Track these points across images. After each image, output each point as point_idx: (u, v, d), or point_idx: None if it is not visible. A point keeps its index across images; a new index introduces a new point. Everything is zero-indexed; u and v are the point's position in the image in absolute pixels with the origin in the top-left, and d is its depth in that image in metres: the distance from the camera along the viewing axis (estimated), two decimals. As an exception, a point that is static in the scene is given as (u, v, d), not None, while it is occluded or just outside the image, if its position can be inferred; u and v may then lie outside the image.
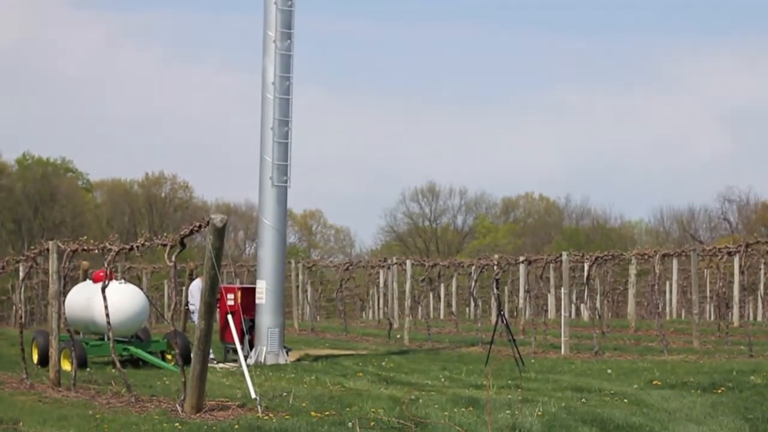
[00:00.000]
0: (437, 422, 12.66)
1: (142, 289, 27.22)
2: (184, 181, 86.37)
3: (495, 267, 29.86)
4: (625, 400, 15.04)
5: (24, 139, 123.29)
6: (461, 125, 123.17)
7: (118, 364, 16.20)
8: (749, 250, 27.06)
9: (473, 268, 32.77)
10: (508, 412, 13.48)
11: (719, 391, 15.91)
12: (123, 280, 23.57)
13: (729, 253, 28.26)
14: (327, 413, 13.57)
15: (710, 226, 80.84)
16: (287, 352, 23.20)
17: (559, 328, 26.73)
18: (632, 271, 36.00)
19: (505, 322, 21.90)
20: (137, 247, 16.24)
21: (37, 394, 16.49)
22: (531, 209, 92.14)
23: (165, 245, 14.96)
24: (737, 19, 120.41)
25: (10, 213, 75.76)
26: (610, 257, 29.72)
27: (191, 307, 24.12)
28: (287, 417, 13.40)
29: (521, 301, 35.20)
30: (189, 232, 14.49)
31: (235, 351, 20.61)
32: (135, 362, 21.86)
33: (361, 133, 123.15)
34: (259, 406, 13.99)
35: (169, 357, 22.19)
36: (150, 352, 22.10)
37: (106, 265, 16.90)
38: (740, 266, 28.00)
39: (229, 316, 20.90)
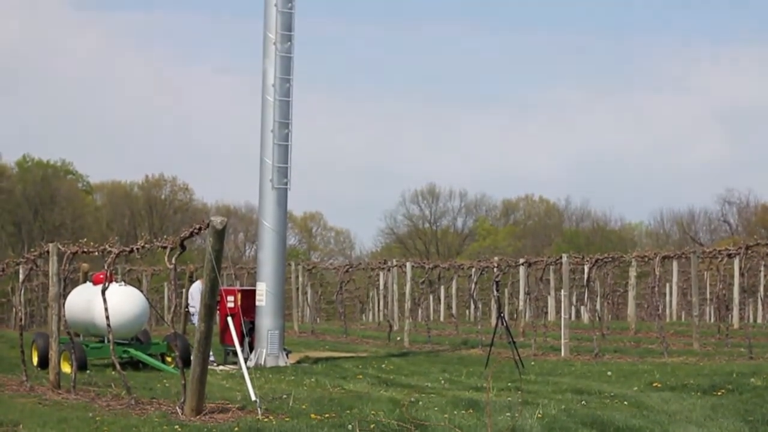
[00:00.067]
0: (437, 424, 12.66)
1: (142, 291, 27.21)
2: (184, 183, 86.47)
3: (495, 269, 29.87)
4: (625, 403, 15.03)
5: (24, 141, 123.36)
6: (461, 127, 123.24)
7: (118, 367, 16.20)
8: (749, 252, 27.07)
9: (473, 270, 32.78)
10: (508, 414, 13.47)
11: (719, 394, 15.91)
12: (123, 283, 23.56)
13: (729, 255, 28.25)
14: (327, 415, 13.57)
15: (710, 228, 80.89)
16: (287, 355, 23.20)
17: (559, 330, 26.72)
18: (632, 273, 35.99)
19: (505, 324, 21.90)
20: (137, 249, 16.24)
21: (37, 397, 16.49)
22: (531, 211, 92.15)
23: (165, 247, 14.96)
24: (737, 20, 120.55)
25: (10, 215, 75.76)
26: (610, 259, 29.72)
27: (191, 309, 24.12)
28: (287, 419, 13.40)
29: (521, 303, 35.20)
30: (189, 235, 14.49)
31: (235, 353, 20.61)
32: (135, 364, 21.87)
33: (361, 134, 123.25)
34: (259, 409, 13.98)
35: (169, 359, 22.20)
36: (150, 355, 22.11)
37: (106, 267, 16.90)
38: (740, 268, 28.00)
39: (229, 319, 20.90)
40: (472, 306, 34.92)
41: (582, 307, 41.69)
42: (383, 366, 21.98)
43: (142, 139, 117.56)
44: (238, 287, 27.02)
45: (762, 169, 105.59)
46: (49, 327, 18.36)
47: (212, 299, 14.01)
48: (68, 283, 19.58)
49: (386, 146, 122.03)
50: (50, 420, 13.53)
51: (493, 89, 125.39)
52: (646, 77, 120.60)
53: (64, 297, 18.53)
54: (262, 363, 22.49)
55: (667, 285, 42.29)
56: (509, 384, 17.66)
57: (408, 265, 32.32)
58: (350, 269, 40.27)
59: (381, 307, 45.64)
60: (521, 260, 31.97)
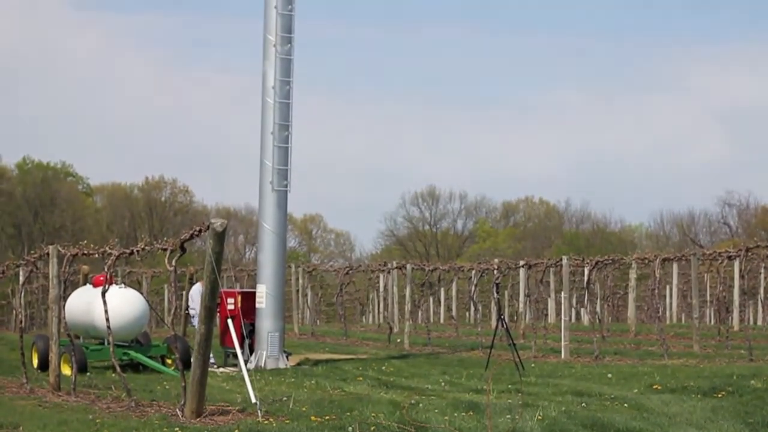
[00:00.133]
0: (437, 427, 12.66)
1: (142, 293, 27.25)
2: (184, 185, 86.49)
3: (495, 271, 29.86)
4: (626, 405, 15.03)
5: (24, 143, 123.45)
6: (461, 129, 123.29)
7: (118, 369, 16.19)
8: (749, 254, 27.08)
9: (473, 272, 32.78)
10: (508, 416, 13.47)
11: (719, 396, 15.91)
12: (123, 285, 23.56)
13: (729, 257, 28.25)
14: (327, 418, 13.57)
15: (710, 231, 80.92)
16: (287, 357, 23.19)
17: (559, 333, 26.72)
18: (632, 275, 35.98)
19: (505, 326, 21.90)
20: (137, 251, 16.24)
21: (37, 399, 16.49)
22: (531, 213, 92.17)
23: (165, 249, 14.96)
24: (737, 22, 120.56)
25: (10, 217, 75.76)
26: (610, 261, 29.73)
27: (191, 312, 24.12)
28: (287, 421, 13.40)
29: (521, 305, 35.20)
30: (189, 237, 14.49)
31: (235, 355, 20.60)
32: (135, 367, 21.86)
33: (360, 136, 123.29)
34: (259, 411, 13.98)
35: (169, 361, 22.19)
36: (150, 357, 22.10)
37: (106, 269, 16.89)
38: (740, 270, 27.99)
39: (230, 321, 20.90)
40: (472, 308, 34.90)
41: (582, 309, 41.69)
42: (383, 368, 21.98)
43: (142, 141, 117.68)
44: (238, 289, 27.01)
45: (762, 171, 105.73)
46: (49, 329, 18.36)
47: (212, 301, 14.01)
48: (68, 286, 19.60)
49: (386, 148, 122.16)
50: (50, 422, 13.52)
51: (493, 91, 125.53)
52: (645, 79, 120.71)
53: (64, 299, 18.52)
54: (263, 365, 22.48)
55: (667, 287, 42.28)
56: (509, 386, 17.66)
57: (408, 267, 32.32)
58: (350, 271, 40.27)
59: (381, 309, 45.66)
60: (521, 262, 31.95)
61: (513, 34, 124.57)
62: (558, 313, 37.05)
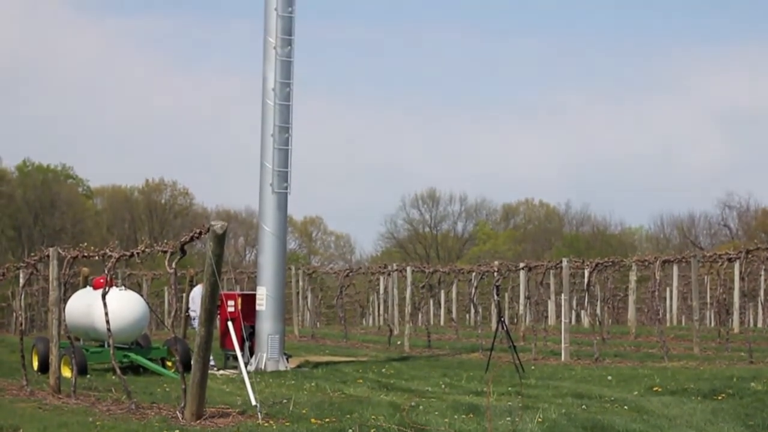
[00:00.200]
0: (437, 429, 12.66)
1: (142, 295, 27.25)
2: (184, 187, 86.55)
3: (495, 273, 29.86)
4: (626, 407, 15.03)
5: (24, 145, 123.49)
6: (461, 131, 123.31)
7: (118, 371, 16.19)
8: (749, 256, 27.09)
9: (473, 274, 32.79)
10: (508, 418, 13.47)
11: (720, 398, 15.91)
12: (123, 287, 23.57)
13: (729, 260, 28.29)
14: (327, 420, 13.57)
15: (710, 233, 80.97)
16: (287, 359, 23.19)
17: (559, 335, 26.71)
18: (632, 277, 36.00)
19: (505, 328, 21.90)
20: (137, 253, 16.24)
21: (37, 401, 16.48)
22: (531, 215, 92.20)
23: (165, 252, 14.96)
24: (737, 23, 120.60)
25: (11, 220, 75.79)
26: (610, 264, 29.75)
27: (192, 314, 24.12)
28: (287, 424, 13.40)
29: (521, 307, 35.19)
30: (189, 239, 14.49)
31: (235, 358, 20.61)
32: (135, 369, 21.86)
33: (361, 139, 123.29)
34: (259, 413, 13.98)
35: (169, 364, 22.19)
36: (150, 359, 22.10)
37: (106, 271, 16.89)
38: (740, 272, 28.01)
39: (230, 323, 20.90)
40: (473, 310, 34.91)
41: (582, 312, 41.69)
42: (383, 370, 21.98)
43: (142, 143, 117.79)
44: (238, 292, 26.99)
45: (762, 173, 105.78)
46: (49, 331, 18.36)
47: (212, 304, 14.00)
48: (68, 288, 19.61)
49: (386, 150, 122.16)
50: (50, 424, 13.52)
51: (493, 93, 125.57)
52: (645, 80, 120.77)
53: (65, 301, 18.53)
54: (263, 367, 22.48)
55: (668, 289, 42.32)
56: (509, 388, 17.65)
57: (408, 269, 32.33)
58: (350, 273, 40.27)
59: (381, 312, 45.65)
60: (521, 264, 31.94)
61: (513, 36, 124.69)
62: (558, 316, 37.05)
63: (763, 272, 38.26)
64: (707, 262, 33.54)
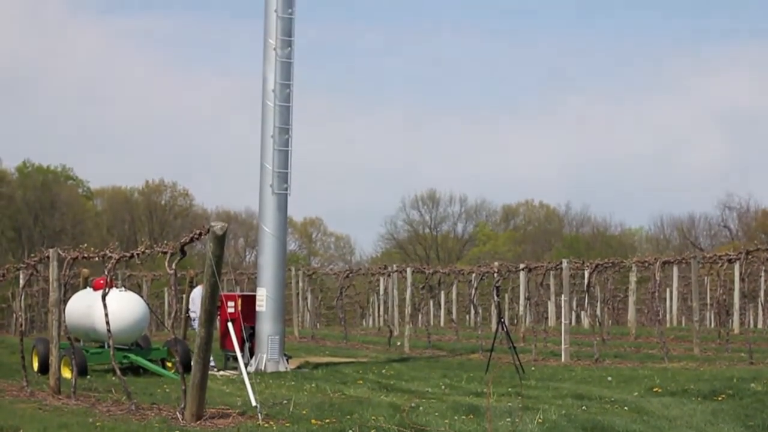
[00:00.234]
0: (437, 430, 12.66)
1: (142, 296, 27.25)
2: (184, 188, 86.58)
3: (495, 274, 29.87)
4: (626, 408, 15.03)
5: (24, 146, 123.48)
6: (461, 132, 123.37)
7: (118, 372, 16.19)
8: (749, 257, 27.09)
9: (473, 275, 32.79)
10: (508, 419, 13.47)
11: (720, 399, 15.91)
12: (123, 288, 23.57)
13: (729, 261, 28.28)
14: (327, 421, 13.57)
15: (710, 234, 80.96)
16: (287, 360, 23.19)
17: (559, 336, 26.71)
18: (632, 278, 36.00)
19: (505, 329, 21.90)
20: (137, 254, 16.24)
21: (37, 402, 16.48)
22: (531, 216, 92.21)
23: (165, 253, 14.96)
24: (737, 24, 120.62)
25: (11, 221, 75.80)
26: (610, 265, 29.75)
27: (192, 315, 24.12)
28: (287, 425, 13.40)
29: (521, 308, 35.20)
30: (189, 240, 14.50)
31: (235, 358, 20.60)
32: (135, 370, 21.85)
33: (361, 140, 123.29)
34: (259, 414, 13.98)
35: (169, 364, 22.19)
36: (150, 360, 22.09)
37: (106, 272, 16.89)
38: (740, 273, 28.00)
39: (230, 324, 20.90)
40: (473, 311, 34.92)
41: (582, 313, 41.69)
42: (383, 371, 21.98)
43: (142, 144, 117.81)
44: (238, 292, 27.00)
45: (762, 174, 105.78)
46: (49, 332, 18.36)
47: (212, 304, 14.00)
48: (68, 289, 19.60)
49: (386, 151, 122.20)
50: (50, 425, 13.52)
51: (493, 94, 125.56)
52: (645, 81, 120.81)
53: (65, 302, 18.53)
54: (263, 368, 22.48)
55: (668, 290, 42.32)
56: (509, 389, 17.64)
57: (408, 270, 32.33)
58: (350, 274, 40.26)
59: (381, 313, 45.64)
60: (521, 265, 31.93)
61: (513, 37, 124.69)
62: (558, 316, 37.05)
63: (763, 273, 38.25)
64: (707, 263, 33.53)
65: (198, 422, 13.70)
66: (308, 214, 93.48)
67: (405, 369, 22.67)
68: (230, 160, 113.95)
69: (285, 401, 15.71)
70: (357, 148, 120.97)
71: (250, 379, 15.35)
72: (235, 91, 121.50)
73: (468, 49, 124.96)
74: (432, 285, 39.12)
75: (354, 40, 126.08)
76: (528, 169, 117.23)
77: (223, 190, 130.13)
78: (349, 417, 13.91)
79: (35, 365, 21.56)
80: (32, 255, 20.15)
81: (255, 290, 23.90)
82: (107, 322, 16.33)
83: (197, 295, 23.00)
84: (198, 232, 14.29)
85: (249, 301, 23.25)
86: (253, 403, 14.38)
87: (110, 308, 16.73)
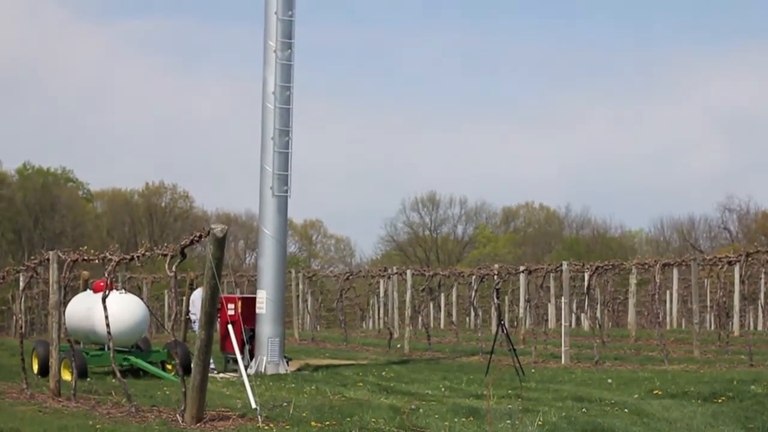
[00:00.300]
0: (438, 432, 12.65)
1: (142, 299, 27.23)
2: (184, 190, 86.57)
3: (495, 276, 29.87)
4: (626, 410, 15.03)
5: (24, 148, 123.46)
6: (461, 134, 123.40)
7: (118, 374, 16.19)
8: (749, 259, 27.06)
9: (473, 277, 32.78)
10: (508, 421, 13.47)
11: (720, 401, 15.91)
12: (123, 290, 23.56)
13: (729, 263, 28.27)
14: (327, 423, 13.57)
15: (710, 236, 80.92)
16: (287, 362, 23.19)
17: (559, 338, 26.71)
18: (632, 280, 36.00)
19: (505, 331, 21.90)
20: (138, 257, 16.25)
21: (37, 404, 16.48)
22: (531, 219, 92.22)
23: (165, 255, 14.96)
24: (737, 26, 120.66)
25: (11, 223, 75.80)
26: (610, 267, 29.72)
27: (192, 317, 24.12)
28: (288, 427, 13.40)
29: (521, 310, 35.20)
30: (189, 242, 14.50)
31: (235, 361, 20.61)
32: (135, 372, 21.85)
33: (361, 142, 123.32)
34: (259, 416, 13.98)
35: (169, 367, 22.19)
36: (150, 362, 22.10)
37: (106, 275, 16.90)
38: (741, 275, 28.01)
39: (230, 326, 20.89)
40: (473, 313, 34.91)
41: (582, 315, 41.68)
42: (383, 373, 21.98)
43: (142, 146, 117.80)
44: (238, 295, 27.01)
45: (762, 176, 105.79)
46: (49, 335, 18.36)
47: (212, 307, 14.01)
48: (68, 291, 19.58)
49: (386, 153, 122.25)
50: (50, 428, 13.53)
51: (493, 96, 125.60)
52: (645, 83, 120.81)
53: (65, 305, 18.52)
54: (263, 370, 22.48)
55: (668, 292, 42.30)
56: (510, 391, 17.64)
57: (408, 272, 32.33)
58: (350, 277, 40.26)
59: (381, 315, 45.64)
60: (521, 268, 31.96)
61: (513, 38, 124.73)
62: (558, 319, 37.04)
63: (763, 275, 38.26)
64: (707, 265, 33.52)
65: (198, 425, 13.70)
66: (308, 217, 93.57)
67: (405, 371, 22.67)
68: (230, 162, 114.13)
69: (285, 403, 15.71)
70: (357, 150, 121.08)
71: (250, 381, 15.35)
72: (235, 93, 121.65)
73: (468, 49, 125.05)
74: (432, 287, 39.12)
75: (354, 42, 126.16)
76: (528, 171, 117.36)
77: (223, 193, 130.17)
78: (349, 419, 13.92)
79: (35, 367, 21.56)
80: (32, 257, 20.15)
81: (255, 292, 23.90)
82: (107, 325, 16.33)
83: (197, 297, 23.01)
84: (198, 234, 14.30)
85: (249, 304, 23.26)
86: (253, 406, 14.38)
87: (110, 310, 16.73)
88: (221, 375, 22.13)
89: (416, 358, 27.27)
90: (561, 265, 26.96)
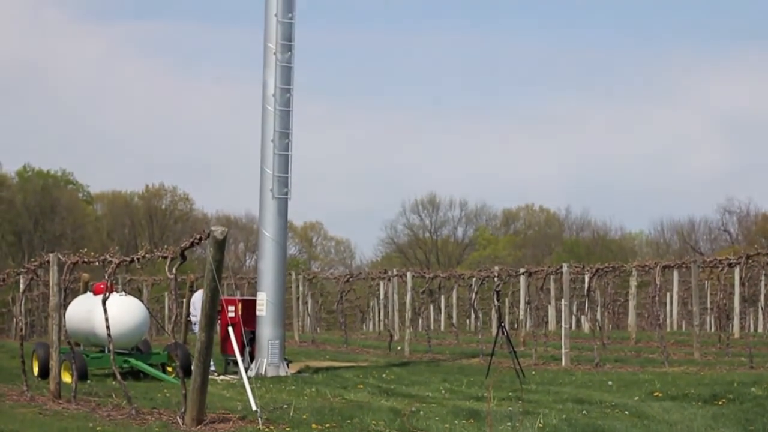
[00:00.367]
0: (438, 434, 12.65)
1: (142, 301, 27.23)
2: (184, 193, 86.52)
3: (495, 279, 29.88)
4: (626, 412, 15.03)
5: (24, 151, 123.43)
6: (461, 137, 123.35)
7: (118, 377, 16.20)
8: (750, 261, 27.08)
9: (474, 279, 32.78)
10: (509, 424, 13.47)
11: (720, 403, 15.90)
12: (123, 293, 23.56)
13: (729, 265, 28.24)
14: (328, 425, 13.57)
15: (710, 238, 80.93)
16: (288, 364, 23.19)
17: (559, 340, 26.70)
18: (633, 282, 35.98)
19: (505, 333, 21.90)
20: (138, 259, 16.25)
21: (37, 407, 16.49)
22: (531, 221, 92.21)
23: (165, 257, 14.97)
24: (737, 28, 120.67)
25: (11, 225, 75.79)
26: (610, 269, 29.73)
27: (192, 319, 24.13)
28: (288, 429, 13.40)
29: (522, 312, 35.18)
30: (189, 245, 14.50)
31: (235, 363, 20.61)
32: (135, 374, 21.86)
33: (361, 144, 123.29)
34: (259, 419, 13.98)
35: (169, 369, 22.19)
36: (150, 364, 22.10)
37: (106, 277, 16.90)
38: (741, 278, 28.02)
39: (230, 328, 20.89)
40: (473, 315, 34.90)
41: (582, 317, 41.67)
42: (384, 376, 21.97)
43: (142, 148, 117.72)
44: (238, 297, 27.01)
45: (763, 178, 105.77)
46: (49, 337, 18.36)
47: (213, 309, 14.01)
48: (69, 293, 19.59)
49: (386, 156, 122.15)
50: (51, 430, 13.54)
51: (493, 97, 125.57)
52: (646, 85, 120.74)
53: (65, 307, 18.52)
54: (263, 373, 22.48)
55: (668, 294, 42.28)
56: (510, 394, 17.64)
57: (408, 274, 32.32)
58: (351, 279, 40.27)
59: (381, 317, 45.62)
60: (522, 270, 31.96)
61: (512, 40, 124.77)
62: (558, 321, 37.03)
63: (763, 277, 38.26)
64: (707, 267, 33.48)
65: (198, 427, 13.70)
66: (308, 219, 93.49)
67: (405, 373, 22.66)
68: (230, 164, 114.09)
69: (285, 406, 15.71)
70: (357, 152, 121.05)
71: (250, 383, 15.36)
72: (236, 95, 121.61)
73: (468, 52, 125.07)
74: (432, 289, 39.10)
75: (354, 44, 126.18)
76: (528, 173, 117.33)
77: (224, 195, 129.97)
78: (349, 421, 13.92)
79: (35, 370, 21.57)
80: (32, 259, 20.15)
81: (255, 295, 23.91)
82: (107, 327, 16.34)
83: (197, 299, 23.00)
84: (198, 236, 14.30)
85: (249, 306, 23.27)
86: (254, 408, 14.38)
87: (110, 313, 16.74)
88: (221, 377, 22.12)
89: (416, 361, 27.27)
90: (561, 267, 26.96)
